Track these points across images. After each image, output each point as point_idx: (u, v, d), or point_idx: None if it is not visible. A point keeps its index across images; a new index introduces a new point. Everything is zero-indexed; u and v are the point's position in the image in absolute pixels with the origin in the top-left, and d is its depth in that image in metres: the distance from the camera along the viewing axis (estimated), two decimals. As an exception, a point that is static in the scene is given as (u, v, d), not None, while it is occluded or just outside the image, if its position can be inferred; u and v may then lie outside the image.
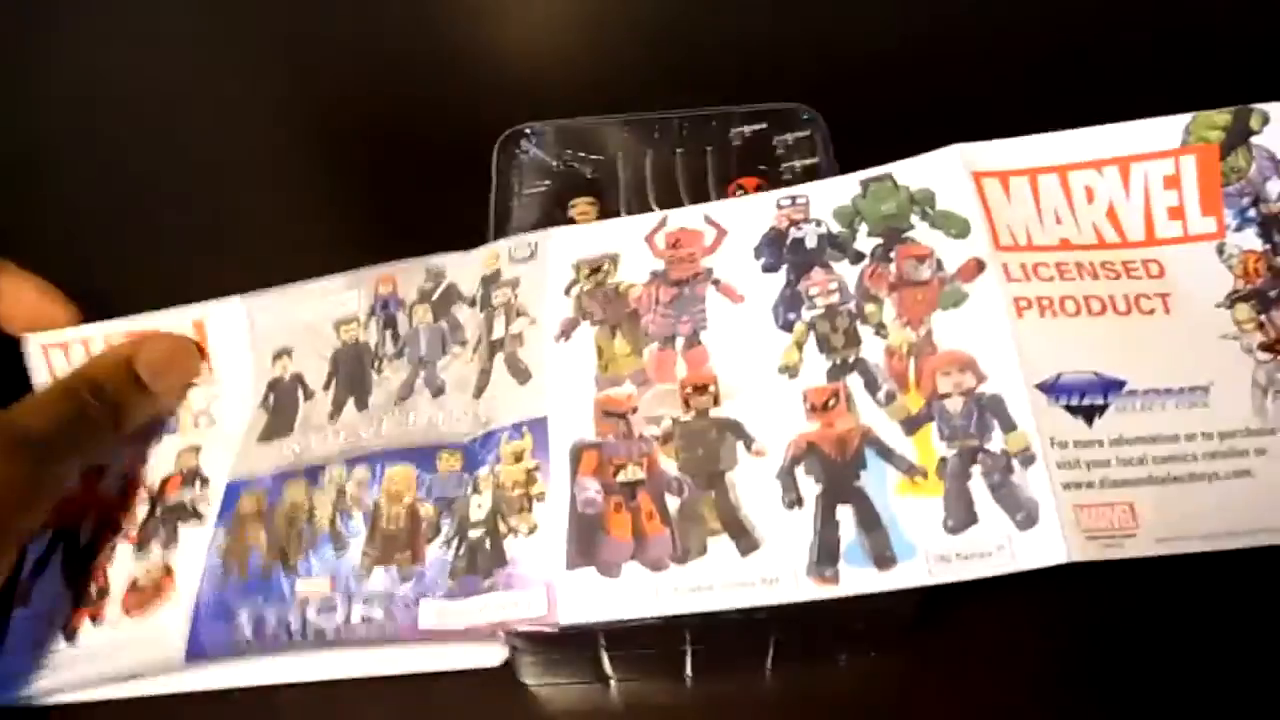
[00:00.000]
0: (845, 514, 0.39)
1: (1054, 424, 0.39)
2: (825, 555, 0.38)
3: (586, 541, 0.39)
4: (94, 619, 0.44)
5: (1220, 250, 0.43)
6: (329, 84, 0.69)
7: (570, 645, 0.39)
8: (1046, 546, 0.37)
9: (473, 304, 0.46)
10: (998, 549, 0.38)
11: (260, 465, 0.45)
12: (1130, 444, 0.39)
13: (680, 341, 0.43)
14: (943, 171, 0.44)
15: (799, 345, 0.42)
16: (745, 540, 0.39)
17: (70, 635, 0.44)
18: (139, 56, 0.71)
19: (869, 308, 0.42)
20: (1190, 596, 0.44)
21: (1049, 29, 0.67)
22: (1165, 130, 0.44)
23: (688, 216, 0.46)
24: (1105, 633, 0.43)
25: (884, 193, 0.44)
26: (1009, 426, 0.39)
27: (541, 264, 0.46)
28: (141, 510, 0.46)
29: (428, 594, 0.39)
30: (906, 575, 0.38)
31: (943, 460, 0.39)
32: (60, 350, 0.48)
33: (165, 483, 0.46)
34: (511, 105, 0.55)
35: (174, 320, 0.48)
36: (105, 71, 0.70)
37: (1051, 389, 0.39)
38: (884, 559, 0.38)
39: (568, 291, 0.45)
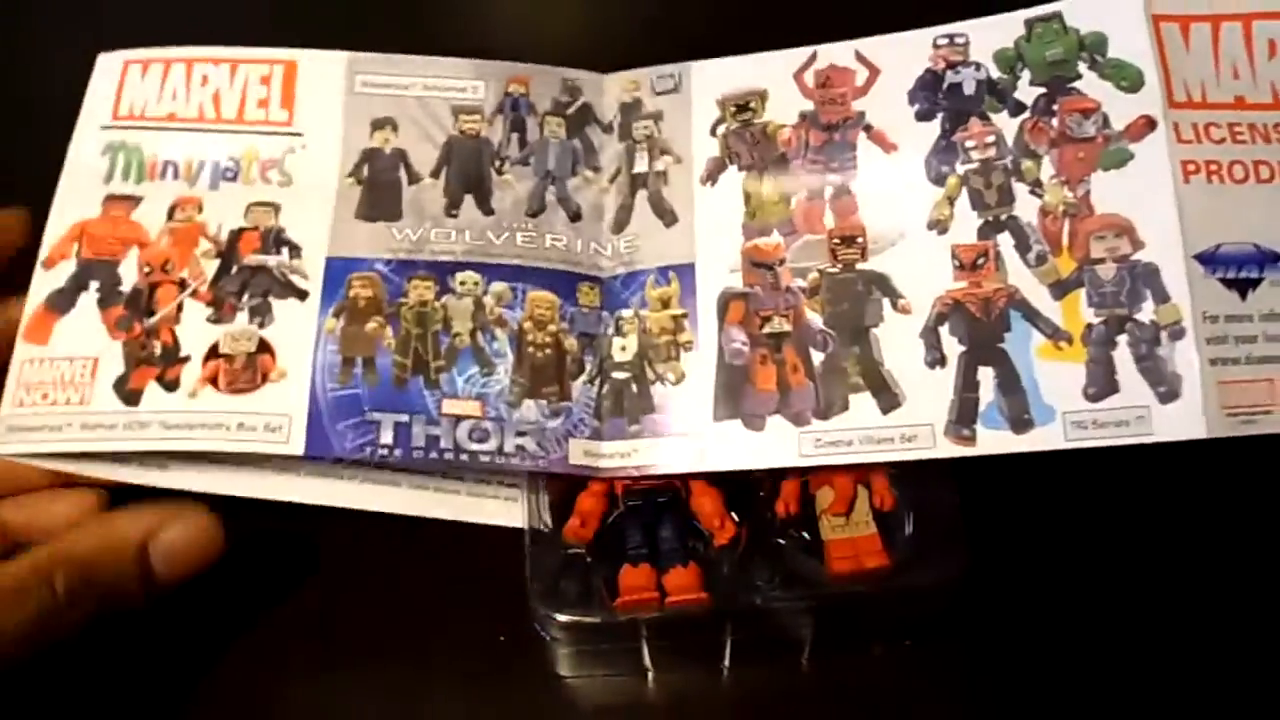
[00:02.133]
0: (986, 375, 0.39)
1: (1207, 297, 0.39)
2: (964, 415, 0.39)
3: (733, 393, 0.40)
4: (164, 382, 0.40)
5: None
6: None
7: (615, 636, 0.39)
8: (1186, 420, 0.38)
9: (609, 130, 0.45)
10: (1136, 419, 0.38)
11: (364, 247, 0.42)
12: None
13: (829, 191, 0.42)
14: (1119, 11, 0.41)
15: (950, 200, 0.41)
16: (886, 397, 0.40)
17: (130, 396, 0.40)
18: None
19: (1026, 164, 0.41)
20: (1229, 602, 0.42)
21: None
22: None
23: (839, 53, 0.44)
24: (1139, 630, 0.42)
25: (1050, 35, 0.42)
26: (1162, 298, 0.39)
27: (685, 98, 0.45)
28: (209, 265, 0.42)
29: (575, 432, 0.41)
30: (1043, 439, 0.39)
31: (1089, 327, 0.39)
32: (139, 68, 0.44)
33: (238, 236, 0.42)
34: None
35: (264, 57, 0.45)
36: None
37: (1210, 260, 0.39)
38: (1021, 422, 0.39)
39: (714, 131, 0.44)
